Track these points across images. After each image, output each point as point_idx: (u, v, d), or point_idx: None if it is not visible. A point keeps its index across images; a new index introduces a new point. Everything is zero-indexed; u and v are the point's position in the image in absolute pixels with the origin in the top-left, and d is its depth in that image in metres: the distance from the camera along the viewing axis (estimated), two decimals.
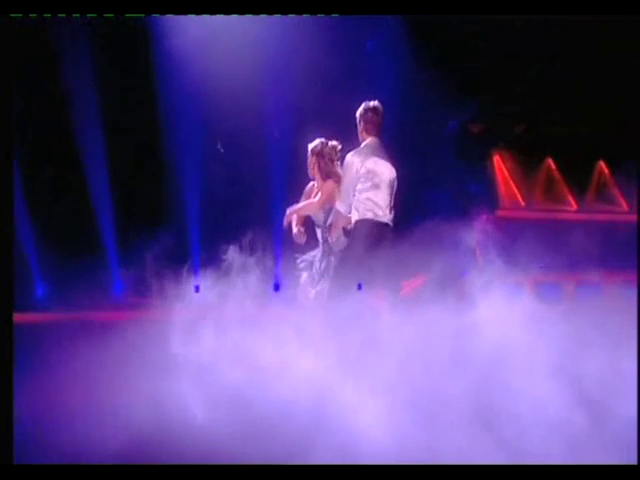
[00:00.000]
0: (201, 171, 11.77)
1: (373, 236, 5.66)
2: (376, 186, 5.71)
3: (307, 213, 6.00)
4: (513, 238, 11.39)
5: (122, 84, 11.43)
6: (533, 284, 7.50)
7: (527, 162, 13.10)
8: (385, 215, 5.66)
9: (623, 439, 3.56)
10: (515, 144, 13.05)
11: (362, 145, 5.86)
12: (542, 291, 7.26)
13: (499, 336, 5.27)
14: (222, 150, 12.21)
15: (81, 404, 4.37)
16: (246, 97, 11.18)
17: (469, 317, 5.56)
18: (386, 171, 5.72)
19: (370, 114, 5.84)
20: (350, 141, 10.64)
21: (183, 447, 3.69)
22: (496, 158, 13.03)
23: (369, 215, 5.69)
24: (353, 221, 5.73)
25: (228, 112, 11.42)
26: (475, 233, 12.38)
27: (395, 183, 5.75)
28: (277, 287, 11.94)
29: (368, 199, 5.74)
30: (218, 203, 11.73)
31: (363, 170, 5.75)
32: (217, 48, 11.13)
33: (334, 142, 5.98)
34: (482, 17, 6.96)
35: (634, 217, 13.38)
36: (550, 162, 13.22)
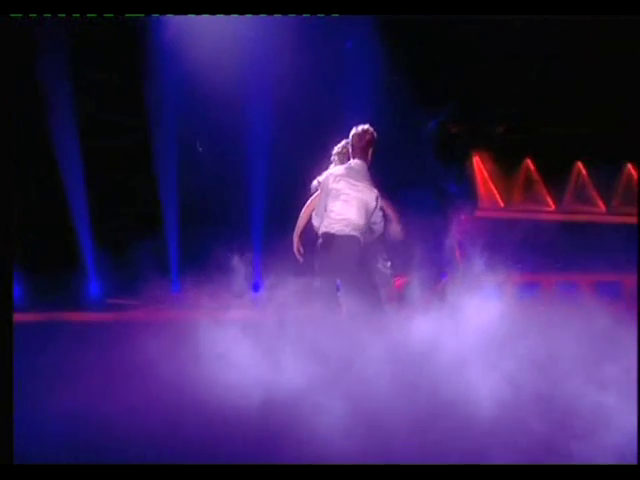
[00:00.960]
0: (183, 170, 11.72)
1: (334, 248, 5.65)
2: (345, 202, 5.71)
3: None
4: (492, 238, 11.48)
5: (104, 83, 11.35)
6: (512, 284, 7.54)
7: (506, 163, 13.18)
8: (353, 229, 5.65)
9: (623, 439, 3.58)
10: (494, 145, 13.12)
11: (346, 164, 5.85)
12: (521, 291, 7.30)
13: (479, 335, 5.29)
14: (201, 149, 12.16)
15: (81, 404, 4.36)
16: (227, 96, 11.15)
17: (450, 317, 5.57)
18: (360, 195, 5.70)
19: (355, 138, 5.84)
20: (332, 141, 10.66)
21: (182, 447, 3.68)
22: (476, 159, 13.10)
23: (334, 228, 5.68)
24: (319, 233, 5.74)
25: (208, 111, 11.39)
26: (455, 233, 12.48)
27: (373, 205, 5.71)
28: (256, 288, 11.96)
29: (332, 211, 5.74)
30: (200, 202, 11.68)
31: (334, 187, 5.75)
32: (197, 47, 11.09)
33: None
34: (463, 17, 6.98)
35: (611, 218, 13.52)
36: (529, 163, 13.31)
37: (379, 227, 5.78)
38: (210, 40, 10.97)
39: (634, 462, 3.37)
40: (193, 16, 7.70)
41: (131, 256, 11.25)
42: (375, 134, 5.80)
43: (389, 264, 5.88)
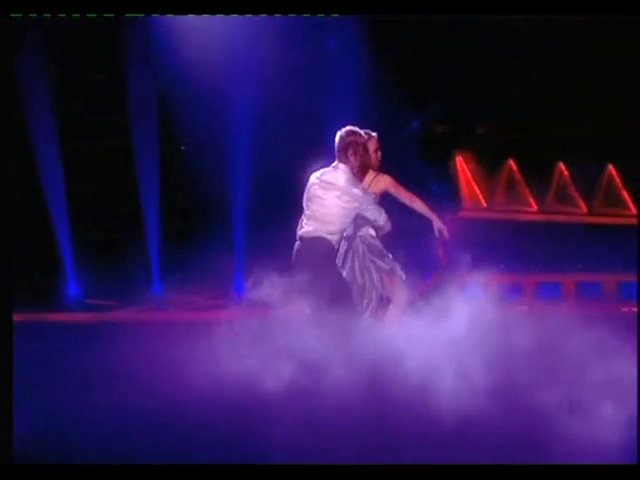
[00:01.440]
0: (165, 170, 11.65)
1: (303, 250, 5.67)
2: (318, 204, 5.71)
3: None
4: (475, 239, 11.50)
5: (84, 82, 11.24)
6: (495, 284, 7.54)
7: (489, 163, 13.21)
8: (325, 232, 5.65)
9: (623, 439, 3.59)
10: (477, 145, 13.15)
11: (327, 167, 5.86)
12: (504, 291, 7.31)
13: (463, 334, 5.30)
14: (183, 148, 12.08)
15: (81, 404, 4.34)
16: (209, 96, 11.09)
17: (434, 317, 5.58)
18: (334, 198, 5.70)
19: (337, 140, 5.85)
20: (314, 141, 10.62)
21: (182, 447, 3.66)
22: (458, 159, 13.11)
23: (304, 230, 5.70)
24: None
25: (190, 112, 11.33)
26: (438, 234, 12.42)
27: (354, 206, 5.71)
28: (239, 289, 11.91)
29: (305, 214, 5.75)
30: (182, 203, 11.61)
31: (309, 190, 5.76)
32: (180, 47, 11.03)
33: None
34: (446, 17, 6.98)
35: (592, 219, 13.59)
36: (511, 163, 13.35)
37: (381, 223, 5.77)
38: (193, 39, 10.91)
39: (634, 462, 3.37)
40: (177, 16, 7.65)
41: (111, 257, 11.17)
42: (358, 137, 5.77)
43: (390, 257, 5.85)
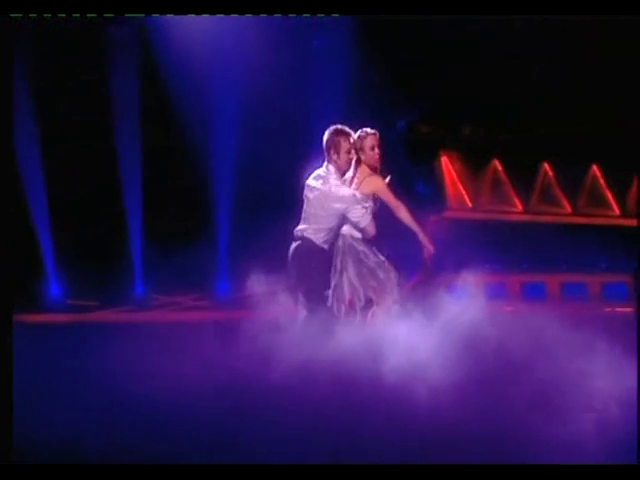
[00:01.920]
0: (148, 170, 11.56)
1: (292, 250, 5.72)
2: (306, 205, 5.75)
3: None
4: (461, 239, 11.52)
5: (62, 85, 11.13)
6: (480, 284, 7.55)
7: (474, 163, 13.23)
8: (309, 232, 5.68)
9: (623, 439, 3.61)
10: (462, 145, 13.16)
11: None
12: (489, 291, 7.31)
13: (447, 335, 5.30)
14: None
15: (81, 404, 4.32)
16: (194, 96, 11.04)
17: (419, 317, 5.58)
18: (316, 198, 5.71)
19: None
20: (300, 141, 10.60)
21: (182, 447, 3.67)
22: (444, 159, 13.12)
23: (295, 232, 5.75)
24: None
25: (175, 111, 11.28)
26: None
27: (336, 207, 5.71)
28: (223, 290, 11.88)
29: (302, 215, 5.79)
30: (165, 201, 11.54)
31: (305, 191, 5.79)
32: (165, 47, 10.98)
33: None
34: (431, 17, 6.97)
35: (577, 219, 13.64)
36: (496, 163, 13.37)
37: (361, 226, 5.73)
38: (179, 39, 10.86)
39: (634, 462, 3.39)
40: (162, 15, 7.60)
41: (93, 257, 11.08)
42: (341, 136, 5.77)
43: (375, 257, 5.80)
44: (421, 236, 5.75)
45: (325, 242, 5.71)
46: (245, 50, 10.85)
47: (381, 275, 5.75)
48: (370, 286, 5.74)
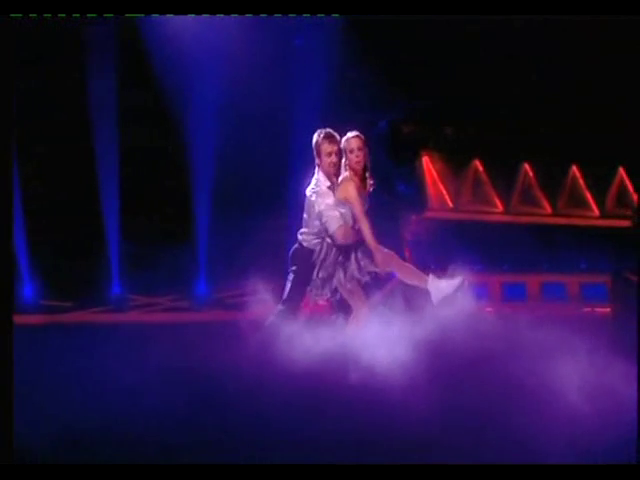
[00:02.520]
0: (125, 170, 11.45)
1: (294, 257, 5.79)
2: (304, 210, 5.81)
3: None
4: (441, 239, 11.54)
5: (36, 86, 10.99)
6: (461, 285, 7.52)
7: (455, 163, 13.25)
8: (305, 239, 5.74)
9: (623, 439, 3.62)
10: (443, 145, 13.18)
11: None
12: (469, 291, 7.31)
13: (428, 336, 5.30)
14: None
15: (81, 404, 4.29)
16: (172, 96, 10.97)
17: (401, 317, 5.58)
18: (306, 202, 5.77)
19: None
20: (280, 142, 10.56)
21: (181, 447, 3.66)
22: (425, 159, 13.13)
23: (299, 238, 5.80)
24: None
25: (152, 112, 11.21)
26: (404, 234, 12.48)
27: (312, 210, 5.74)
28: (202, 289, 11.82)
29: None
30: (141, 201, 11.45)
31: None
32: (144, 47, 10.88)
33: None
34: (414, 17, 6.95)
35: (558, 219, 13.72)
36: (477, 164, 13.41)
37: (329, 232, 5.71)
38: (157, 38, 10.78)
39: (634, 462, 3.39)
40: (140, 15, 7.52)
41: (68, 256, 10.96)
42: (320, 139, 5.77)
43: (353, 262, 5.77)
44: (376, 255, 5.66)
45: (315, 245, 5.75)
46: (225, 49, 10.78)
47: (359, 279, 5.73)
48: (347, 290, 5.73)
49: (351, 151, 5.76)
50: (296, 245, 5.78)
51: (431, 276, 5.66)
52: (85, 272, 10.61)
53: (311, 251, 5.70)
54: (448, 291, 5.58)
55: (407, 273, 5.76)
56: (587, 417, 3.98)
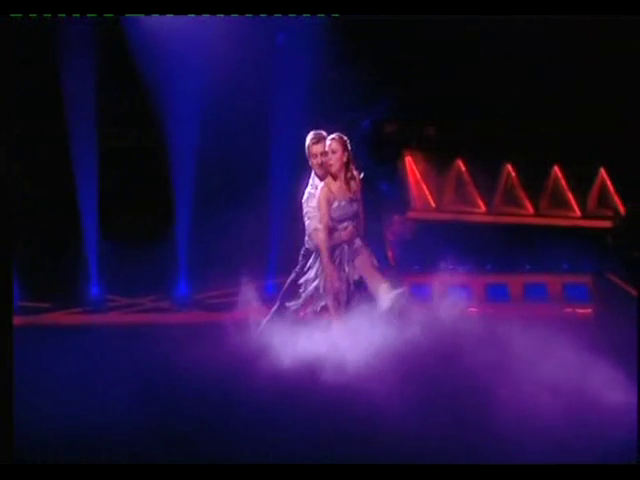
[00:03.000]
0: (105, 169, 11.35)
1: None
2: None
3: None
4: (424, 239, 11.54)
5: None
6: (443, 285, 7.56)
7: (438, 163, 13.27)
8: (306, 240, 5.87)
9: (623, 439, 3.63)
10: (426, 145, 13.19)
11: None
12: (452, 292, 7.33)
13: (409, 336, 5.31)
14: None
15: (81, 404, 4.26)
16: (153, 95, 10.90)
17: (378, 319, 5.58)
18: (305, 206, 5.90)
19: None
20: (262, 142, 10.51)
21: (182, 447, 3.65)
22: (408, 159, 13.13)
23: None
24: None
25: (132, 110, 11.13)
26: (387, 234, 12.47)
27: (306, 211, 5.82)
28: (182, 289, 11.74)
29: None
30: (117, 201, 11.36)
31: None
32: (123, 46, 10.80)
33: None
34: (398, 17, 6.95)
35: (540, 220, 13.76)
36: (460, 164, 13.43)
37: (307, 231, 5.82)
38: (136, 37, 10.72)
39: (634, 462, 3.40)
40: (120, 15, 7.47)
41: (45, 256, 10.85)
42: (308, 142, 5.85)
43: (336, 261, 5.81)
44: (324, 262, 5.68)
45: (309, 244, 5.89)
46: (205, 48, 10.72)
47: (339, 279, 5.74)
48: (324, 289, 5.74)
49: (324, 153, 5.83)
50: (305, 246, 5.92)
51: (383, 286, 5.71)
52: (63, 273, 10.51)
53: (311, 252, 5.86)
54: (387, 304, 5.63)
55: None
56: (567, 417, 4.00)
